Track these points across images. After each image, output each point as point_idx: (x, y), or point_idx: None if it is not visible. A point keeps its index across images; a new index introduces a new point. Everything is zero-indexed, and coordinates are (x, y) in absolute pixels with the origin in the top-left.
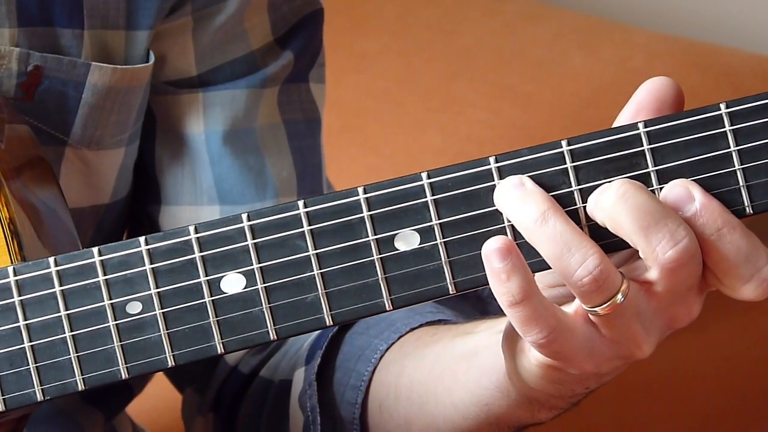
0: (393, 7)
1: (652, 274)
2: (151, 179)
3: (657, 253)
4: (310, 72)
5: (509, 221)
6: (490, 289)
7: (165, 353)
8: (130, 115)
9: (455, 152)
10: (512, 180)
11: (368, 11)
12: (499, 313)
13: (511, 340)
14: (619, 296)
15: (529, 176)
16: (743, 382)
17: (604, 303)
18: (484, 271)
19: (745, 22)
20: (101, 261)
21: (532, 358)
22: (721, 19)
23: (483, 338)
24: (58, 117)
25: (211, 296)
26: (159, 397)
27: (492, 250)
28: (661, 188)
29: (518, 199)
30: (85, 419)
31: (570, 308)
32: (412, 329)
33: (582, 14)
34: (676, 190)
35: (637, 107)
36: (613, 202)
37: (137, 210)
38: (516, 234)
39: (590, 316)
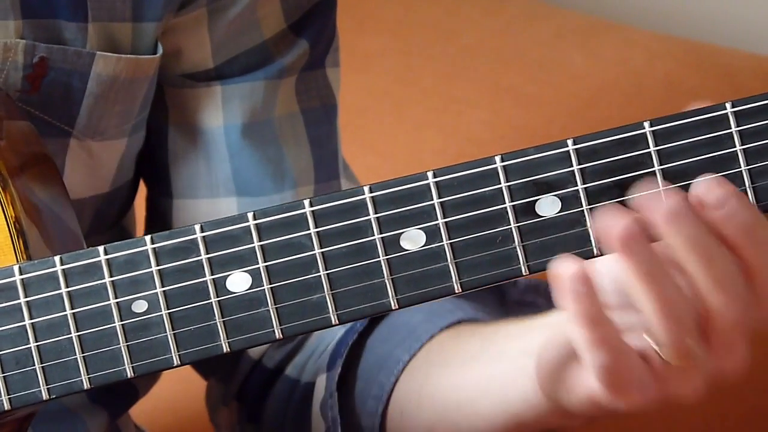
0: (393, 7)
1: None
2: (163, 173)
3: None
4: (326, 57)
5: (517, 223)
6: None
7: (171, 352)
8: (134, 106)
9: (455, 152)
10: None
11: (368, 11)
12: (515, 298)
13: (550, 370)
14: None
15: (536, 177)
16: (743, 382)
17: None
18: (490, 270)
19: (745, 22)
20: (107, 260)
21: (582, 394)
22: (721, 20)
23: (505, 348)
24: (63, 108)
25: (217, 295)
26: (159, 398)
27: (572, 275)
28: (667, 189)
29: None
30: (90, 418)
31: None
32: (433, 336)
33: (582, 14)
34: (717, 191)
35: None
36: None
37: (152, 201)
38: (522, 235)
39: (658, 361)
